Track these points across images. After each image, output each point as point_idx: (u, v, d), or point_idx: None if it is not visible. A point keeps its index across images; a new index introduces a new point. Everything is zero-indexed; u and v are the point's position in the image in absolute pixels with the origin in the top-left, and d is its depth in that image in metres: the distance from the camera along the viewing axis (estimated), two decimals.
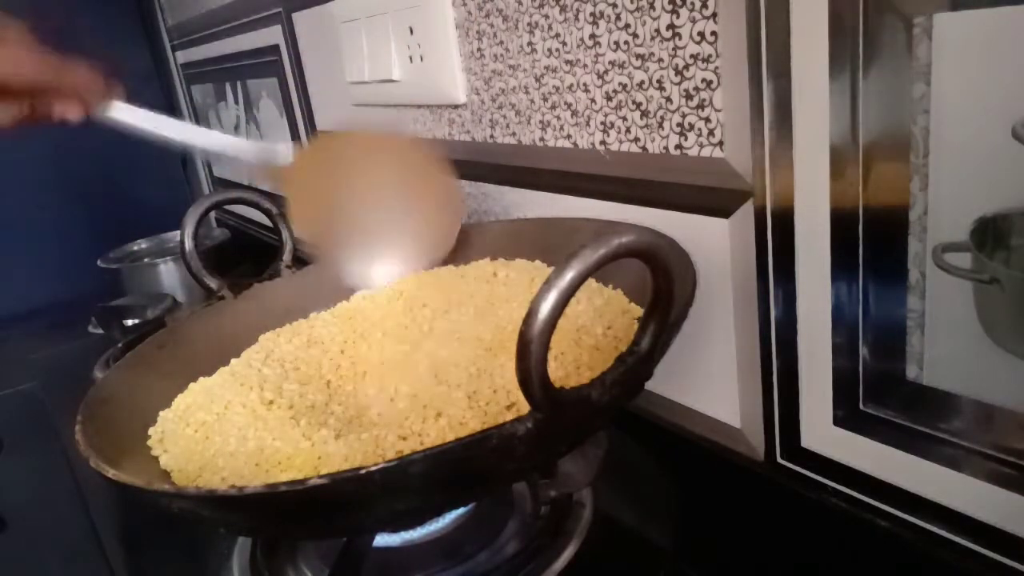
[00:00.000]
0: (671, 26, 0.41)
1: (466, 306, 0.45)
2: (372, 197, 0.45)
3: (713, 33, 0.38)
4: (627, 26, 0.43)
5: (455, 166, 0.57)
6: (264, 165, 0.45)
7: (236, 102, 1.15)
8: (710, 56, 0.39)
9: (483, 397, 0.36)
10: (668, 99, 0.42)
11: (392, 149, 0.47)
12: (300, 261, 0.55)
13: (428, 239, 0.45)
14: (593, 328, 0.39)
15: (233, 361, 0.46)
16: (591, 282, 0.45)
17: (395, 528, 0.42)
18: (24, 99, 0.40)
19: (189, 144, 0.45)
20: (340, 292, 0.53)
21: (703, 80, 0.40)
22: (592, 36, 0.46)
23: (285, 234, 0.55)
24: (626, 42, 0.44)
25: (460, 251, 0.53)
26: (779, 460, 0.43)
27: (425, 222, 0.45)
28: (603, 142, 0.48)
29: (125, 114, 0.43)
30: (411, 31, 0.62)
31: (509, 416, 0.34)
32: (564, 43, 0.49)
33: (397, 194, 0.45)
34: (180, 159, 1.44)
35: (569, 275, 0.25)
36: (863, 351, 0.36)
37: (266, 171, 0.45)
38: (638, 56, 0.43)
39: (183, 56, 1.32)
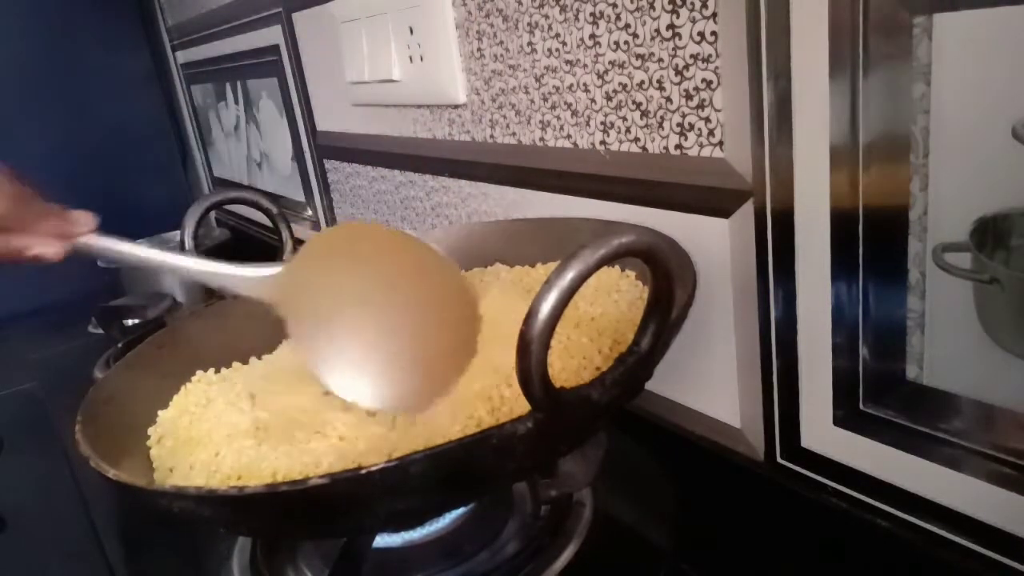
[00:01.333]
0: (671, 26, 0.41)
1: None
2: (379, 306, 0.37)
3: (713, 33, 0.38)
4: (627, 26, 0.43)
5: (455, 166, 0.57)
6: (249, 285, 0.39)
7: (236, 102, 1.15)
8: (710, 56, 0.39)
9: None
10: (668, 99, 0.42)
11: (394, 248, 0.39)
12: None
13: (446, 350, 0.37)
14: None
15: (235, 364, 0.46)
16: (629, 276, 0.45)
17: (395, 528, 0.42)
18: None
19: (170, 269, 0.41)
20: None
21: (703, 80, 0.40)
22: (592, 36, 0.46)
23: (285, 234, 0.55)
24: (626, 42, 0.44)
25: (460, 252, 0.53)
26: (779, 460, 0.43)
27: (441, 332, 0.37)
28: (603, 142, 0.48)
29: (104, 244, 0.40)
30: (411, 31, 0.62)
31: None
32: (564, 43, 0.49)
33: (408, 302, 0.37)
34: (180, 159, 1.45)
35: (569, 275, 0.25)
36: (863, 351, 0.36)
37: (253, 291, 0.39)
38: (638, 56, 0.43)
39: (183, 56, 1.32)
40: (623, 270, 0.46)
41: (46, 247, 0.39)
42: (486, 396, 0.35)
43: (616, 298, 0.43)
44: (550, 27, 0.49)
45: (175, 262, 0.41)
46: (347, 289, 0.37)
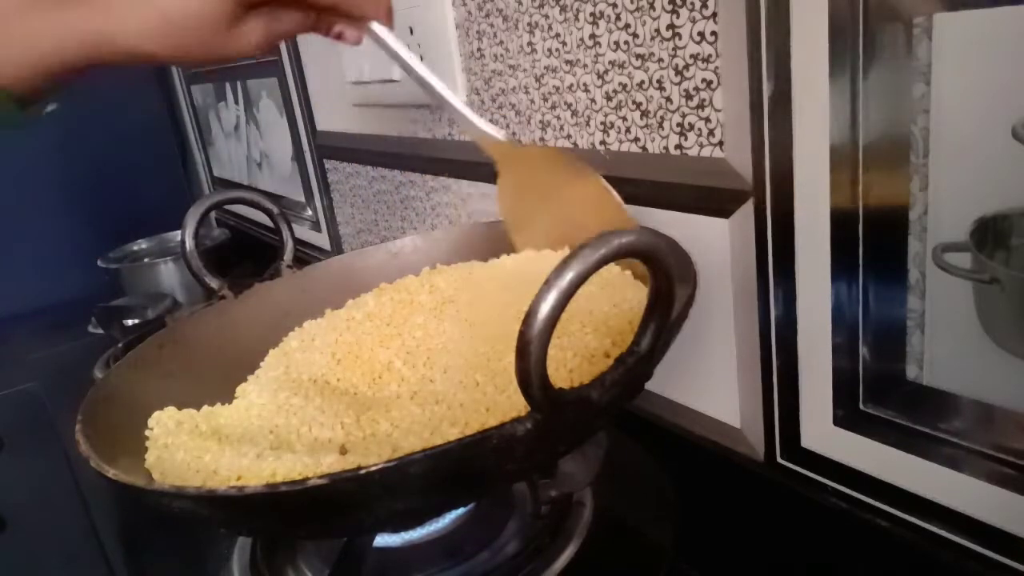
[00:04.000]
0: (671, 26, 0.41)
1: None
2: (556, 194, 0.48)
3: (713, 33, 0.38)
4: (627, 26, 0.43)
5: (455, 166, 0.57)
6: (486, 139, 0.48)
7: (236, 102, 1.15)
8: (710, 56, 0.39)
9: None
10: (668, 99, 0.42)
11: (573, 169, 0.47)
12: (300, 261, 0.55)
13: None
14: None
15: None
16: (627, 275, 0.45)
17: (395, 528, 0.42)
18: (312, 11, 0.42)
19: (428, 87, 0.47)
20: (341, 293, 0.52)
21: (703, 80, 0.40)
22: (592, 36, 0.46)
23: (285, 234, 0.55)
24: (626, 42, 0.44)
25: (461, 252, 0.53)
26: (779, 460, 0.43)
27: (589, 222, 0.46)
28: (603, 142, 0.48)
29: (388, 39, 0.44)
30: (411, 31, 0.62)
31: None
32: (564, 43, 0.49)
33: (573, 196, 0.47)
34: (180, 159, 1.45)
35: (569, 275, 0.25)
36: (863, 351, 0.36)
37: (488, 145, 0.49)
38: (638, 56, 0.43)
39: None
40: (623, 270, 0.46)
41: (349, 28, 0.43)
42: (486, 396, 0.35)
43: (629, 296, 0.43)
44: (550, 27, 0.49)
45: (436, 86, 0.46)
46: (541, 177, 0.47)
